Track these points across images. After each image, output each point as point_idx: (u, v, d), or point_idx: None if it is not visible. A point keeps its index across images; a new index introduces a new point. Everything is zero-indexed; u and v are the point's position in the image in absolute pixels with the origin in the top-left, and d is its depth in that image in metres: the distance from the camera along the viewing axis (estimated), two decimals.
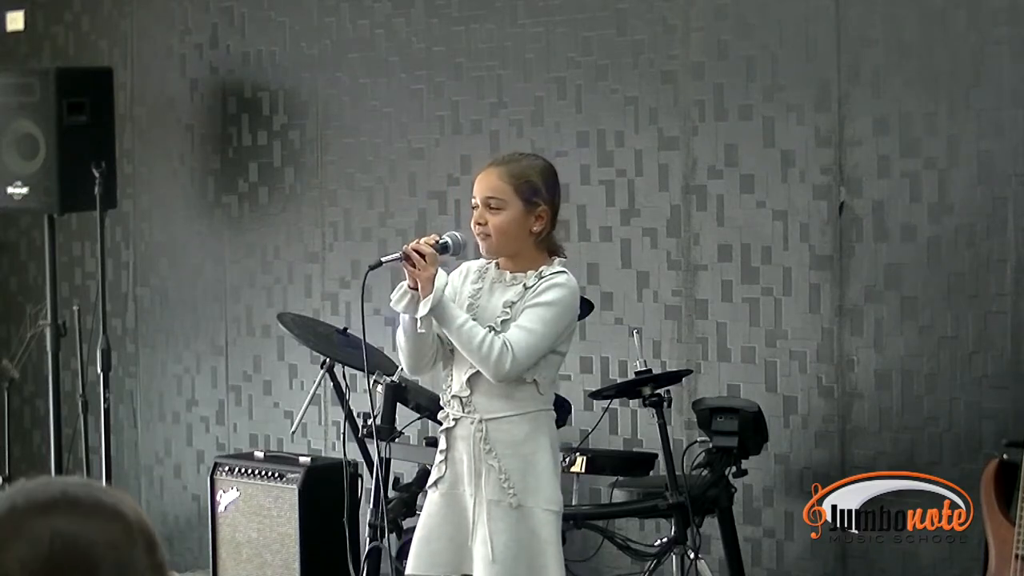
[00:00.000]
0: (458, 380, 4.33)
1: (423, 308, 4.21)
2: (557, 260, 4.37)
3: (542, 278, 4.30)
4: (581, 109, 6.01)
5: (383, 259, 4.37)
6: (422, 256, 4.23)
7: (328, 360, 5.71)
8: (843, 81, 5.39)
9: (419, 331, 4.26)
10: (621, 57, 5.89)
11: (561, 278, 4.31)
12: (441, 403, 4.43)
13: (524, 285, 4.31)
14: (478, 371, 4.27)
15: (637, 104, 5.86)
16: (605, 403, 5.49)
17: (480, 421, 4.28)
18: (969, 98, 5.15)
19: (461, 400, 4.32)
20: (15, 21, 7.97)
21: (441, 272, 4.30)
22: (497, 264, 4.41)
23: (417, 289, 4.24)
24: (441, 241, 4.32)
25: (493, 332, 4.23)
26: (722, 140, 5.66)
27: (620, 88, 5.90)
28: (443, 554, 4.33)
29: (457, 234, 4.38)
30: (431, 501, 4.39)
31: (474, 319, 4.30)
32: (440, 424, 4.45)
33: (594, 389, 5.50)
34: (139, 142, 7.49)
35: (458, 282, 4.41)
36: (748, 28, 5.60)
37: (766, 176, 5.56)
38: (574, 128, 6.02)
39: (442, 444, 4.38)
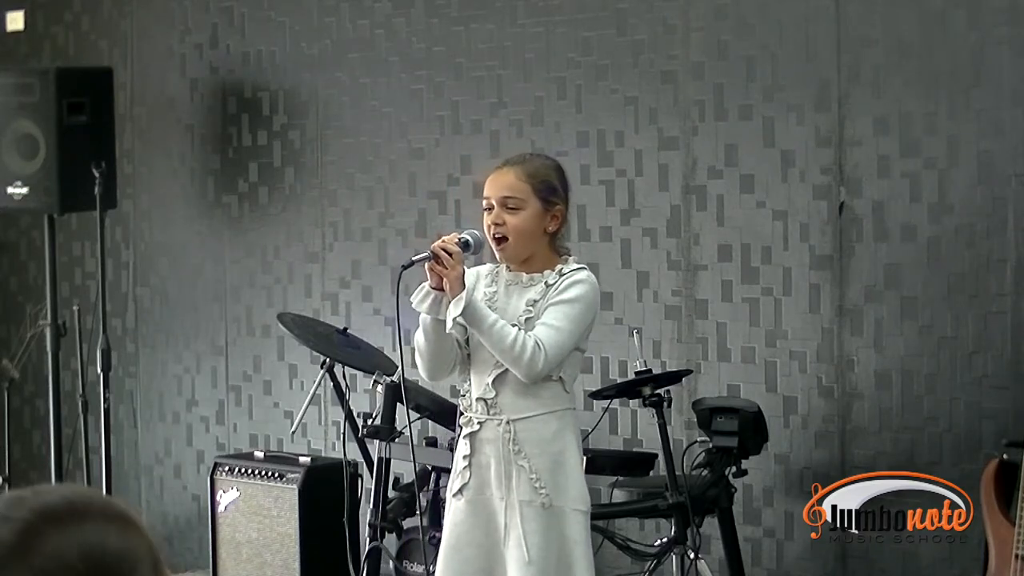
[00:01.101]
0: (480, 383, 4.28)
1: (456, 308, 4.14)
2: (572, 258, 4.36)
3: (563, 275, 4.28)
4: (581, 109, 6.01)
5: (414, 258, 4.25)
6: (449, 255, 4.18)
7: (328, 360, 5.71)
8: (843, 81, 5.39)
9: (448, 331, 4.19)
10: (621, 57, 5.89)
11: (582, 275, 4.29)
12: (461, 408, 4.37)
13: (546, 283, 4.28)
14: (503, 372, 4.23)
15: (637, 104, 5.86)
16: (605, 403, 5.49)
17: (507, 422, 4.23)
18: (969, 98, 5.15)
19: (486, 402, 4.27)
20: (15, 21, 7.97)
21: (468, 271, 4.26)
22: (508, 266, 4.38)
23: (440, 289, 4.19)
24: (462, 239, 4.26)
25: (523, 331, 4.20)
26: (722, 140, 5.66)
27: (620, 88, 5.90)
28: (474, 561, 4.27)
29: (476, 231, 4.33)
30: (457, 509, 4.31)
31: None
32: (455, 429, 4.40)
33: (594, 389, 5.50)
34: (139, 142, 7.49)
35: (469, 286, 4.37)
36: (748, 28, 5.60)
37: (766, 176, 5.56)
38: (574, 128, 6.02)
39: (464, 449, 4.30)
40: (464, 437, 4.32)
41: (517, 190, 4.29)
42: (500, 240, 4.29)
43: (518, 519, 4.19)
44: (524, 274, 4.33)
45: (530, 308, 4.26)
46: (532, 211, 4.29)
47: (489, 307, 4.28)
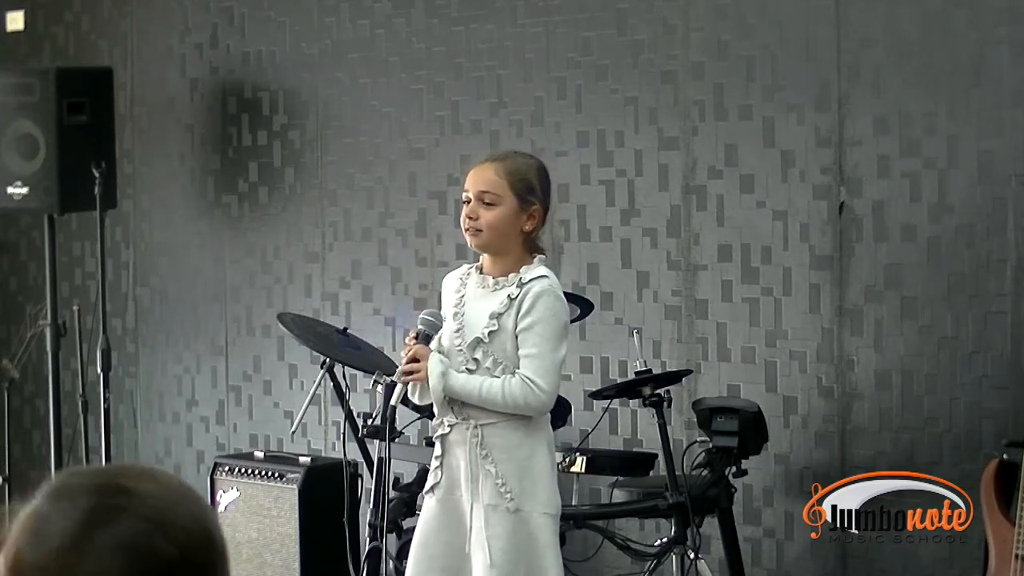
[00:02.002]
0: None
1: (436, 406, 4.29)
2: (539, 258, 4.35)
3: (523, 286, 4.27)
4: (581, 109, 6.01)
5: (394, 403, 4.39)
6: (417, 359, 4.26)
7: (328, 360, 5.71)
8: (843, 81, 5.39)
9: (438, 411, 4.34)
10: (621, 57, 5.89)
11: (541, 285, 4.26)
12: (434, 409, 4.41)
13: (509, 296, 4.27)
14: None
15: (637, 104, 5.86)
16: (605, 403, 5.49)
17: (476, 427, 4.26)
18: (969, 98, 5.15)
19: (453, 407, 4.31)
20: (15, 21, 7.97)
21: (434, 355, 4.28)
22: (480, 269, 4.39)
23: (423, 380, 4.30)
24: (420, 332, 4.33)
25: (505, 374, 4.23)
26: (722, 140, 5.66)
27: (620, 88, 5.90)
28: (441, 559, 4.31)
29: (425, 315, 4.37)
30: (427, 507, 4.38)
31: (459, 329, 4.30)
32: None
33: (594, 389, 5.50)
34: (139, 142, 7.49)
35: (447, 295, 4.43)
36: (748, 28, 5.60)
37: (766, 176, 5.56)
38: (574, 128, 6.01)
39: (437, 450, 4.36)
40: (436, 438, 4.37)
41: (494, 186, 4.31)
42: (473, 234, 4.31)
43: (483, 522, 4.22)
44: (491, 279, 4.33)
45: (494, 321, 4.26)
46: (508, 208, 4.30)
47: (457, 312, 4.32)
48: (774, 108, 5.54)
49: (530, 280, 4.27)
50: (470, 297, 4.34)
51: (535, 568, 4.23)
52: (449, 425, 4.32)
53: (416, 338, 4.30)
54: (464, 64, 6.34)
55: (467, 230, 4.33)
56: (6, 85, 6.84)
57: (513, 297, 4.26)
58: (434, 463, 4.37)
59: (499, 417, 4.26)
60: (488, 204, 4.30)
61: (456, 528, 4.30)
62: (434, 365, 4.24)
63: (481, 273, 4.37)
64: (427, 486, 4.39)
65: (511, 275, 4.30)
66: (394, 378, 4.36)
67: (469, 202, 4.33)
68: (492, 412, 4.25)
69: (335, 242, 6.81)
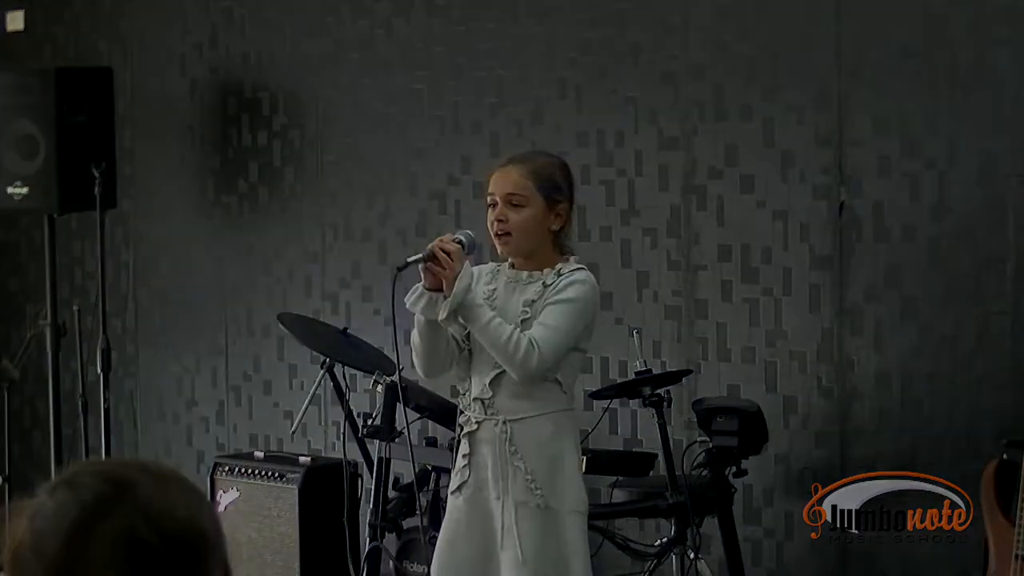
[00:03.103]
0: (479, 383, 4.28)
1: (443, 311, 4.15)
2: (573, 258, 4.36)
3: (561, 275, 4.28)
4: (581, 109, 6.01)
5: (409, 260, 4.23)
6: (448, 254, 4.17)
7: (328, 360, 5.71)
8: (843, 81, 5.39)
9: (441, 322, 4.17)
10: (621, 57, 5.89)
11: (580, 275, 4.29)
12: (460, 407, 4.37)
13: (544, 283, 4.28)
14: (501, 372, 4.23)
15: (637, 104, 5.86)
16: (605, 403, 5.49)
17: (504, 423, 4.24)
18: (969, 98, 5.15)
19: (483, 402, 4.27)
20: (15, 21, 7.97)
21: (467, 267, 4.22)
22: (512, 264, 4.38)
23: (435, 290, 4.18)
24: (457, 239, 4.25)
25: (519, 330, 4.20)
26: (722, 140, 5.66)
27: (620, 88, 5.90)
28: (469, 558, 4.29)
29: (470, 232, 4.33)
30: (455, 507, 4.34)
31: None
32: (455, 429, 4.40)
33: (594, 389, 5.50)
34: (139, 142, 7.49)
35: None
36: (748, 28, 5.60)
37: (766, 176, 5.56)
38: (574, 128, 6.01)
39: (464, 449, 4.32)
40: (463, 436, 4.33)
41: (521, 187, 4.29)
42: (502, 238, 4.30)
43: (513, 519, 4.20)
44: (524, 272, 4.33)
45: (527, 309, 4.25)
46: (536, 209, 4.29)
47: (489, 306, 4.28)
48: (774, 108, 5.54)
49: (570, 271, 4.29)
50: (502, 292, 4.33)
51: (563, 566, 4.22)
52: (476, 422, 4.29)
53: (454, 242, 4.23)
54: (464, 64, 6.34)
55: (496, 235, 4.30)
56: (6, 85, 6.84)
57: (549, 284, 4.26)
58: (461, 462, 4.32)
59: (527, 412, 4.23)
60: (516, 206, 4.29)
61: (485, 527, 4.27)
62: (465, 272, 4.18)
63: (512, 268, 4.36)
64: (453, 486, 4.35)
65: (546, 269, 4.30)
66: (415, 257, 4.20)
67: (495, 206, 4.31)
68: (520, 407, 4.22)
69: (335, 242, 6.81)
